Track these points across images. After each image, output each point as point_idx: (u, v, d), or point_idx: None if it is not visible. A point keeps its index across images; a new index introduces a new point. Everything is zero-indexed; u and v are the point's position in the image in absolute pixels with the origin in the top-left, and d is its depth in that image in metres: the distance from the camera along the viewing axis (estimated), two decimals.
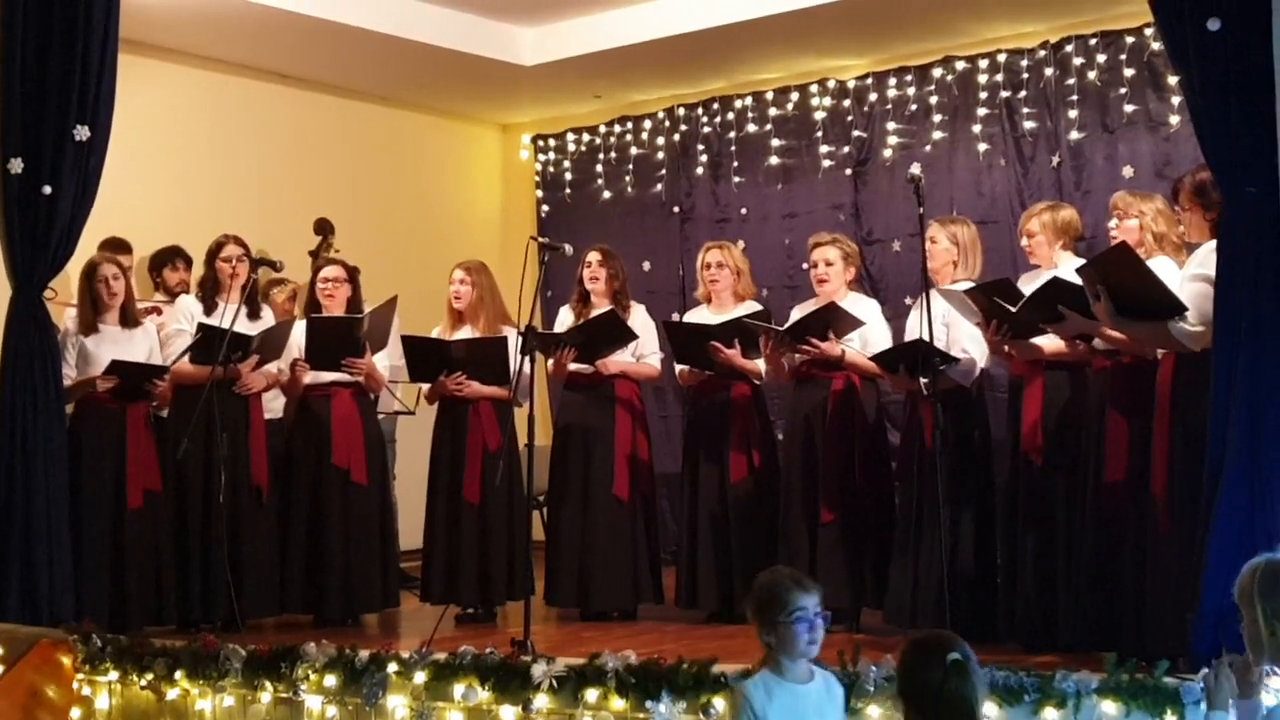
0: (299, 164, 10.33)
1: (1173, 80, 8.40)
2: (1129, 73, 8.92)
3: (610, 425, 7.44)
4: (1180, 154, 8.50)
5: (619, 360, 7.44)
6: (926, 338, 6.05)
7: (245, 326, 7.22)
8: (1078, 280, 5.65)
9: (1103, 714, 4.61)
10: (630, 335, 7.37)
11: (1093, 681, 4.68)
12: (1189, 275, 5.39)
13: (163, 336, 7.42)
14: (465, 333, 7.48)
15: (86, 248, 7.24)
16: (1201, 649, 4.79)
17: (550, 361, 7.54)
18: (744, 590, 7.02)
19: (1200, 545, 4.95)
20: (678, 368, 7.53)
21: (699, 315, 7.52)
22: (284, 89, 10.37)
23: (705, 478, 7.30)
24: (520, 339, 6.73)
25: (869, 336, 6.91)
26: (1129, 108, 8.90)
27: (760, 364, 7.14)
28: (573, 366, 7.40)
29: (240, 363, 7.18)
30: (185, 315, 7.43)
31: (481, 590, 7.32)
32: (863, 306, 7.01)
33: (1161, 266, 5.62)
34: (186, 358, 7.21)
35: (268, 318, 7.60)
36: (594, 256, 7.54)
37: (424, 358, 7.39)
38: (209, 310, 7.34)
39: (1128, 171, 8.81)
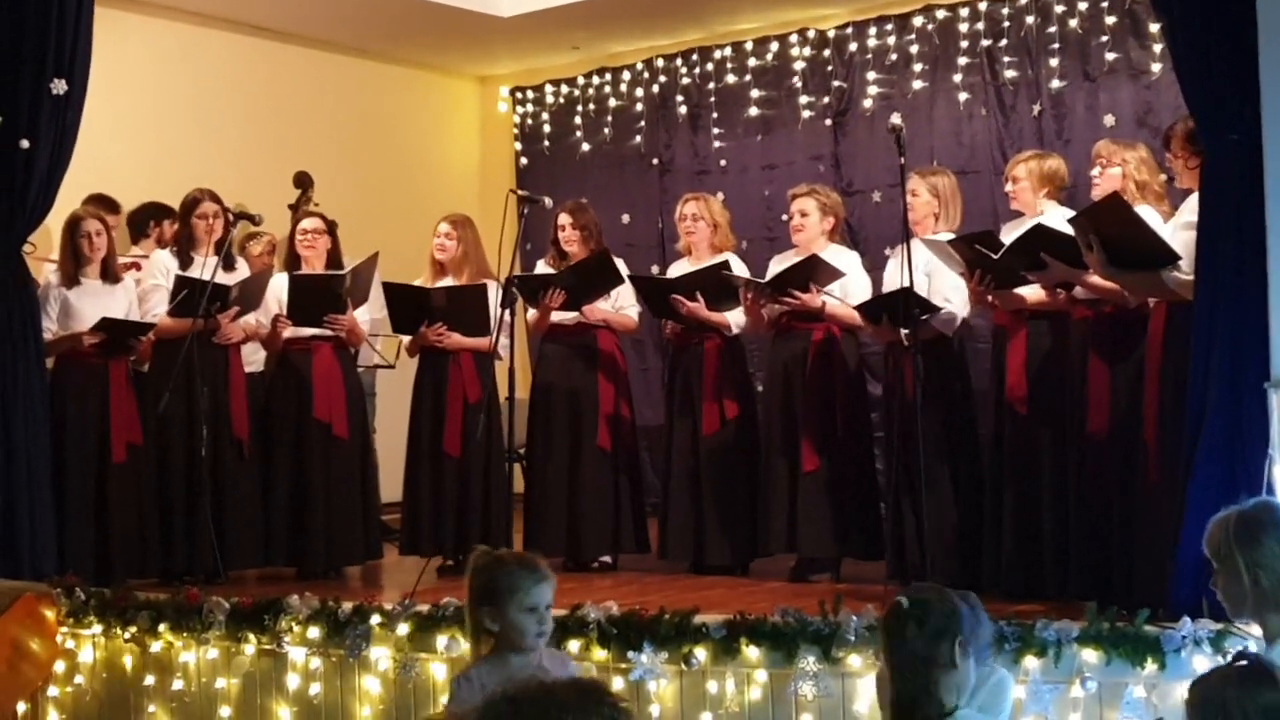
0: (277, 118, 10.26)
1: (1154, 28, 8.40)
2: (1110, 20, 8.90)
3: (593, 378, 7.43)
4: (1161, 102, 8.50)
5: (601, 309, 7.43)
6: (906, 287, 6.04)
7: (221, 279, 7.18)
8: (1061, 228, 5.65)
9: (1083, 662, 4.65)
10: (618, 278, 7.35)
11: (1073, 630, 4.70)
12: (1181, 223, 5.39)
13: (140, 292, 7.39)
14: (447, 284, 7.44)
15: (65, 202, 7.19)
16: (1181, 598, 4.82)
17: (530, 312, 7.51)
18: (718, 541, 7.08)
19: (1181, 494, 4.97)
20: (664, 320, 7.52)
21: (679, 268, 7.50)
22: (262, 42, 10.29)
23: (679, 430, 7.30)
24: (500, 292, 6.71)
25: (849, 288, 6.89)
26: (1110, 56, 8.89)
27: (729, 316, 7.13)
28: (556, 316, 7.38)
29: (219, 314, 7.15)
30: (161, 270, 7.40)
31: (461, 542, 7.32)
32: (843, 258, 6.99)
33: (1146, 215, 5.62)
34: (166, 312, 7.18)
35: (243, 270, 7.58)
36: (565, 218, 7.49)
37: (404, 306, 7.37)
38: (184, 265, 7.32)
39: (1109, 120, 8.80)
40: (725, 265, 7.10)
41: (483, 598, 3.89)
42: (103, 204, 7.90)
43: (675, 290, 7.12)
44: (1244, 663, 3.20)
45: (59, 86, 6.76)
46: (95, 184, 8.08)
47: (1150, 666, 4.57)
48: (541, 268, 7.65)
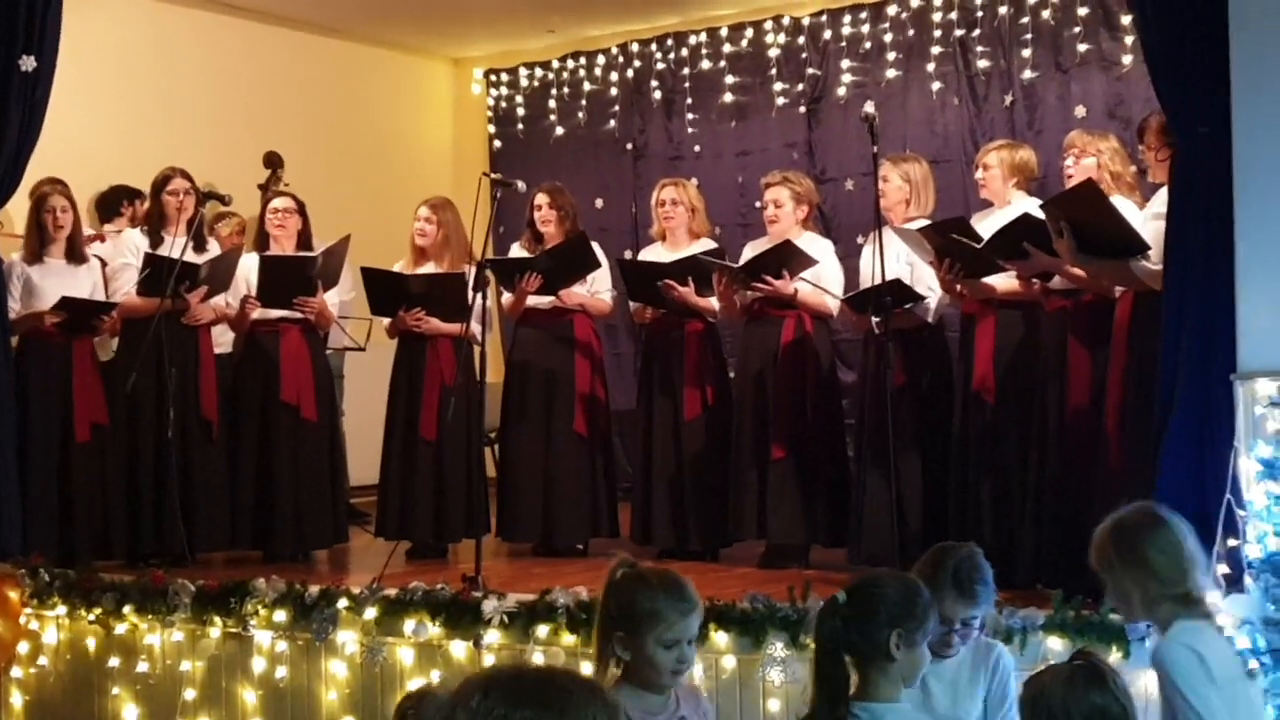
0: (248, 97, 10.19)
1: (1126, 20, 8.44)
2: (1082, 12, 8.93)
3: (568, 363, 7.41)
4: (1133, 94, 8.54)
5: (578, 293, 7.42)
6: (881, 276, 6.06)
7: (191, 258, 7.14)
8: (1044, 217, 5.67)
9: (1049, 650, 4.67)
10: (595, 263, 7.34)
11: (1039, 617, 4.74)
12: (1152, 214, 5.41)
13: (109, 271, 7.34)
14: (428, 270, 7.41)
15: (31, 181, 7.13)
16: None
17: (505, 296, 7.49)
18: (697, 526, 7.09)
19: (1149, 482, 4.99)
20: (633, 305, 7.50)
21: (654, 253, 7.49)
22: (233, 20, 10.22)
23: (659, 414, 7.30)
24: (475, 273, 6.69)
25: (821, 275, 6.90)
26: (1082, 47, 8.91)
27: (714, 302, 7.13)
28: (532, 300, 7.36)
29: (189, 293, 7.11)
30: (131, 249, 7.35)
31: (436, 526, 7.31)
32: (816, 246, 7.00)
33: (1120, 205, 5.63)
34: (134, 290, 7.14)
35: (213, 250, 7.52)
36: (542, 198, 7.47)
37: (383, 291, 7.34)
38: (155, 244, 7.25)
39: (1080, 111, 8.83)
40: (717, 252, 7.11)
41: (618, 621, 3.37)
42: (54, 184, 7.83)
43: (666, 275, 7.10)
44: (1079, 662, 3.23)
45: (27, 64, 6.70)
46: (62, 163, 8.00)
47: (1114, 655, 4.60)
48: (516, 251, 7.62)
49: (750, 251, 7.09)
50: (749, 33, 10.30)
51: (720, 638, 5.15)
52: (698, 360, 7.22)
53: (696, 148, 10.50)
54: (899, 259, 6.46)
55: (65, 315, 6.97)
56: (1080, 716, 3.09)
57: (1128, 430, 5.38)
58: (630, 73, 10.85)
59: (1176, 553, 3.53)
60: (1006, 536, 6.01)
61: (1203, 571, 3.58)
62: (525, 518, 7.37)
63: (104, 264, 7.41)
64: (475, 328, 6.77)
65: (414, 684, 5.62)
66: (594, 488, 7.41)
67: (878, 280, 6.13)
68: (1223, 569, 4.58)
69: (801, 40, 10.07)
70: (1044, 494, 5.88)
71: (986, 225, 6.07)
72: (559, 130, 11.15)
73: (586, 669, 5.15)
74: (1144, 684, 4.22)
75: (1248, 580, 4.42)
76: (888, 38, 9.67)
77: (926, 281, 6.44)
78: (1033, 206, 5.97)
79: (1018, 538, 5.97)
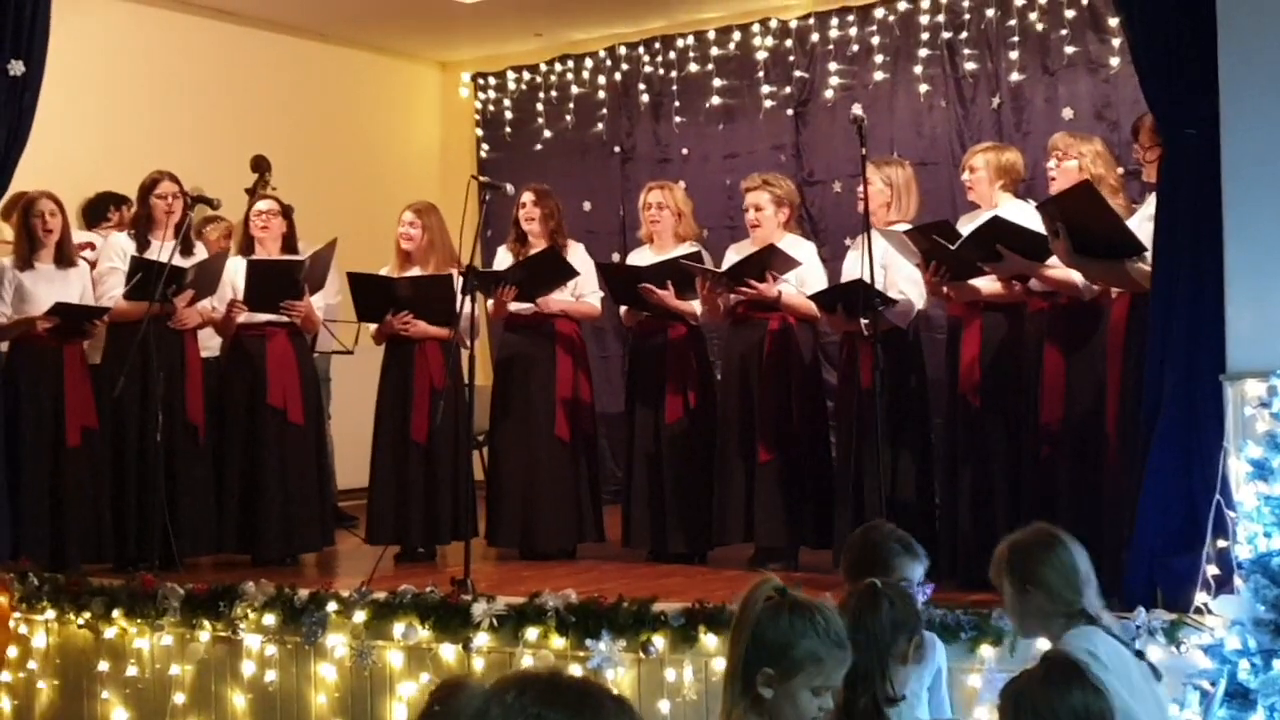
0: (235, 102, 10.17)
1: (1113, 22, 8.46)
2: (1070, 14, 8.95)
3: (551, 365, 7.41)
4: (1120, 96, 8.56)
5: (559, 299, 7.41)
6: (867, 279, 6.06)
7: (178, 263, 7.12)
8: (1019, 220, 5.67)
9: (1038, 651, 4.66)
10: (571, 272, 7.33)
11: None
12: (1148, 216, 5.41)
13: (95, 275, 7.32)
14: (413, 274, 7.40)
15: (18, 186, 7.09)
16: (1135, 588, 4.86)
17: (490, 301, 7.49)
18: (677, 529, 7.08)
19: (1137, 484, 5.00)
20: (622, 307, 7.51)
21: (641, 256, 7.49)
22: (220, 25, 10.20)
23: (642, 418, 7.30)
24: (462, 279, 6.69)
25: (805, 278, 6.91)
26: (1069, 49, 8.94)
27: (695, 305, 7.14)
28: (513, 306, 7.36)
29: (175, 297, 7.09)
30: (118, 253, 7.32)
31: (426, 530, 7.31)
32: (800, 248, 7.01)
33: None
34: (122, 295, 7.12)
35: (200, 254, 7.50)
36: (528, 196, 7.48)
37: (370, 295, 7.33)
38: (142, 248, 7.24)
39: (1067, 113, 8.85)
40: (697, 255, 7.11)
41: (769, 657, 3.03)
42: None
43: (645, 279, 7.10)
44: (1052, 662, 3.25)
45: (16, 68, 6.66)
46: (48, 167, 7.97)
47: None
48: (502, 254, 7.62)
49: (733, 255, 7.09)
50: (736, 36, 10.31)
51: (710, 640, 5.16)
52: (680, 363, 7.21)
53: (684, 150, 10.50)
54: (875, 261, 6.46)
55: (57, 320, 6.96)
56: (1066, 713, 3.09)
57: (1127, 433, 5.38)
58: (618, 76, 10.85)
59: (1070, 573, 3.65)
60: (991, 536, 6.00)
61: (1095, 592, 3.68)
62: (509, 522, 7.37)
63: (93, 267, 7.39)
64: (463, 333, 6.76)
65: (404, 687, 5.63)
66: (577, 491, 7.40)
67: (845, 282, 6.14)
68: (1212, 570, 4.59)
69: (789, 43, 10.08)
70: (1027, 494, 5.89)
71: (973, 227, 6.07)
72: (547, 133, 11.15)
73: (576, 673, 5.19)
74: None
75: (1237, 581, 4.43)
76: (875, 40, 9.68)
77: (900, 285, 6.44)
78: (1019, 209, 5.98)
79: (1003, 537, 5.96)
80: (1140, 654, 3.68)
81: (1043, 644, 3.98)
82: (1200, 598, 4.64)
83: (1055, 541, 3.71)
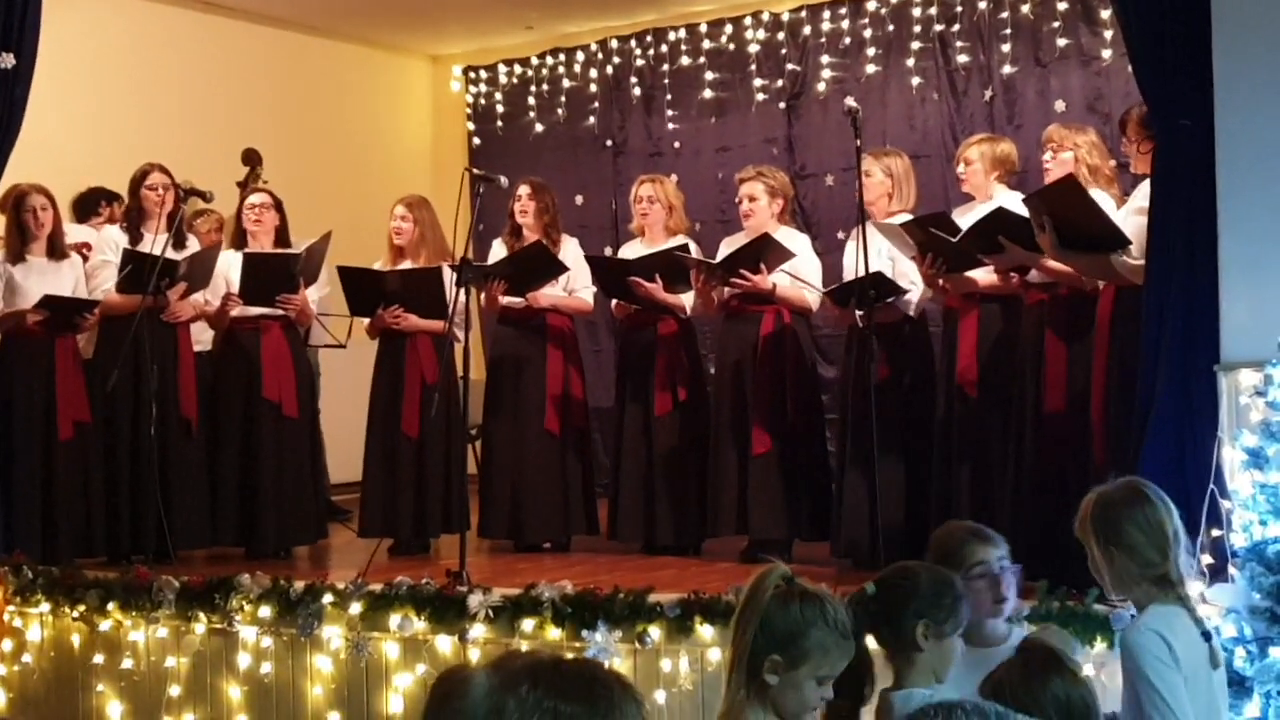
0: (227, 95, 10.15)
1: (1105, 14, 8.48)
2: (1062, 6, 8.96)
3: (542, 359, 7.41)
4: (1112, 88, 8.58)
5: (550, 294, 7.41)
6: (864, 271, 6.07)
7: (171, 255, 7.11)
8: (1021, 211, 5.69)
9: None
10: (560, 268, 7.33)
11: (1024, 609, 4.74)
12: (1134, 208, 5.44)
13: (89, 268, 7.31)
14: (404, 267, 7.40)
15: (7, 180, 7.09)
16: None
17: (482, 295, 7.49)
18: (667, 523, 7.09)
19: (1130, 473, 5.01)
20: (613, 301, 7.51)
21: (633, 249, 7.49)
22: (212, 18, 10.19)
23: (631, 411, 7.30)
24: (455, 272, 6.69)
25: (799, 270, 6.92)
26: (1061, 41, 8.95)
27: (684, 298, 7.14)
28: (504, 300, 7.36)
29: (168, 290, 7.08)
30: (110, 246, 7.32)
31: (418, 523, 7.31)
32: (793, 240, 7.01)
33: (1098, 199, 5.66)
34: (114, 287, 7.11)
35: (193, 247, 7.50)
36: (524, 190, 7.48)
37: (360, 289, 7.33)
38: (134, 241, 7.23)
39: (1059, 105, 8.86)
40: (684, 248, 7.11)
41: (778, 645, 3.05)
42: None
43: (632, 272, 7.11)
44: (1031, 652, 3.24)
45: (7, 61, 6.66)
46: (37, 161, 7.96)
47: (1099, 645, 4.63)
48: (497, 247, 7.62)
49: (726, 248, 7.10)
50: (728, 29, 10.31)
51: (705, 631, 5.17)
52: (670, 357, 7.22)
53: (676, 144, 10.50)
54: (881, 254, 6.48)
55: (48, 313, 6.94)
56: (1049, 701, 3.09)
57: (1112, 424, 5.40)
58: (610, 69, 10.85)
59: (1157, 533, 3.50)
60: (989, 528, 6.01)
61: (1184, 553, 3.55)
62: (501, 514, 7.37)
63: (85, 259, 7.38)
64: (455, 328, 6.76)
65: (400, 679, 5.63)
66: (567, 484, 7.40)
67: (861, 275, 6.14)
68: (1207, 559, 4.60)
69: (781, 36, 10.08)
70: (1025, 486, 5.90)
71: (969, 219, 6.08)
72: (538, 127, 11.14)
73: None
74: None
75: (1232, 570, 4.44)
76: (867, 33, 9.69)
77: (909, 275, 6.46)
78: (1015, 200, 5.99)
79: (1000, 530, 5.97)
80: (1208, 635, 3.50)
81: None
82: (1196, 586, 4.65)
83: (1143, 498, 3.56)
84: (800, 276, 6.85)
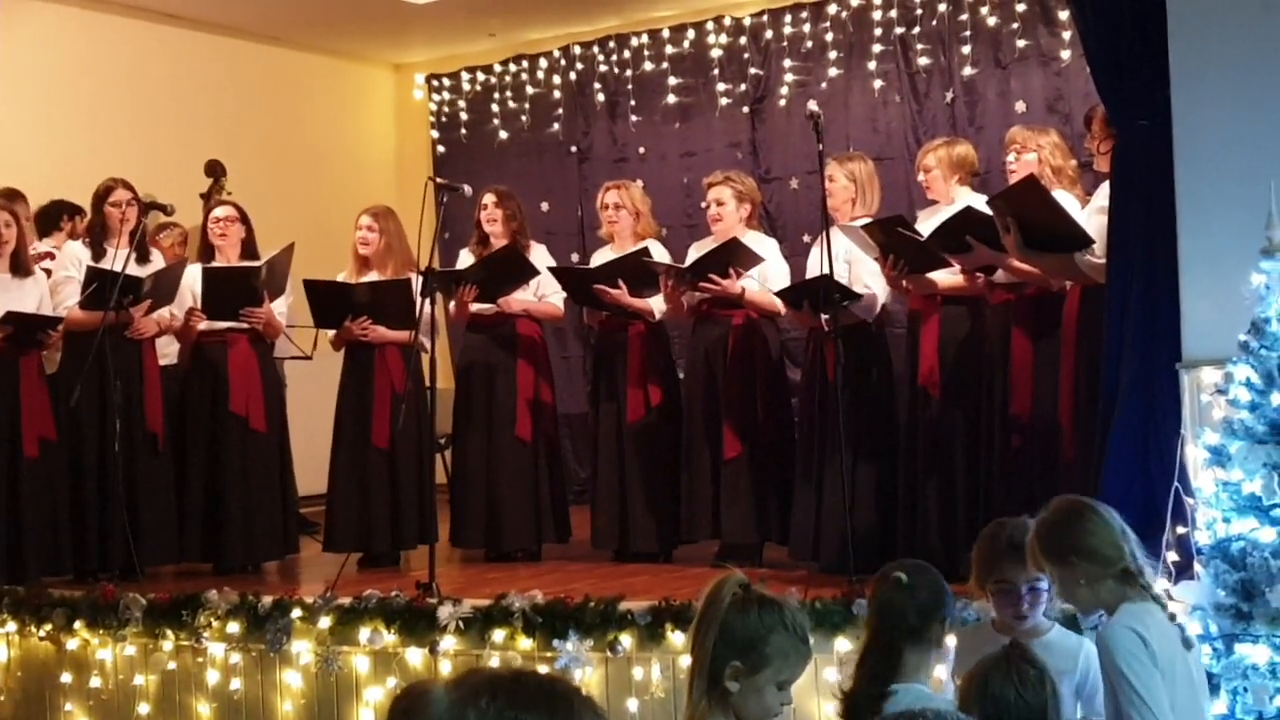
0: (189, 107, 10.11)
1: (1064, 15, 8.52)
2: (1021, 8, 9.02)
3: (512, 366, 7.40)
4: (1071, 88, 8.64)
5: (521, 299, 7.40)
6: (829, 274, 6.08)
7: (134, 271, 7.07)
8: (987, 212, 5.70)
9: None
10: (532, 271, 7.33)
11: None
12: (1095, 208, 5.46)
13: (51, 284, 7.26)
14: (371, 279, 7.37)
15: None
16: None
17: (452, 304, 7.48)
18: (642, 528, 7.08)
19: (1095, 473, 5.03)
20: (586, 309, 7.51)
21: (603, 255, 7.49)
22: (171, 29, 10.15)
23: (604, 416, 7.30)
24: (420, 281, 6.67)
25: (768, 274, 6.93)
26: (1021, 43, 9.01)
27: (651, 303, 7.14)
28: (474, 307, 7.34)
29: (132, 307, 7.04)
30: (73, 262, 7.26)
31: (388, 535, 7.28)
32: (762, 244, 7.02)
33: (1061, 199, 5.68)
34: (78, 304, 7.06)
35: (157, 262, 7.45)
36: (490, 198, 7.47)
37: (327, 302, 7.30)
38: (97, 256, 7.19)
39: (1020, 107, 8.92)
40: (645, 252, 7.10)
41: (738, 652, 3.04)
42: (9, 196, 7.75)
43: (596, 279, 7.11)
44: (1010, 652, 3.29)
45: None
46: None
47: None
48: (464, 256, 7.61)
49: (695, 252, 7.11)
50: (690, 34, 10.33)
51: (677, 638, 5.16)
52: (642, 362, 7.22)
53: (641, 149, 10.52)
54: (839, 257, 6.48)
55: (11, 330, 6.89)
56: (1020, 702, 3.14)
57: (1080, 423, 5.42)
58: (573, 75, 10.86)
59: (1107, 531, 3.57)
60: (954, 530, 6.04)
61: (1136, 546, 3.60)
62: (473, 523, 7.36)
63: (49, 275, 7.32)
64: (422, 337, 6.74)
65: (370, 692, 5.61)
66: (538, 491, 7.39)
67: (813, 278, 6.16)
68: (1172, 556, 4.62)
69: (743, 40, 10.11)
70: (991, 487, 5.92)
71: (933, 222, 6.10)
72: (503, 134, 11.15)
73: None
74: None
75: (1197, 567, 4.46)
76: (829, 37, 9.73)
77: (864, 280, 6.47)
78: (979, 201, 6.01)
79: (965, 531, 6.00)
80: (1173, 616, 3.58)
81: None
82: (1161, 584, 4.67)
83: (1083, 506, 3.65)
84: (766, 282, 6.85)
